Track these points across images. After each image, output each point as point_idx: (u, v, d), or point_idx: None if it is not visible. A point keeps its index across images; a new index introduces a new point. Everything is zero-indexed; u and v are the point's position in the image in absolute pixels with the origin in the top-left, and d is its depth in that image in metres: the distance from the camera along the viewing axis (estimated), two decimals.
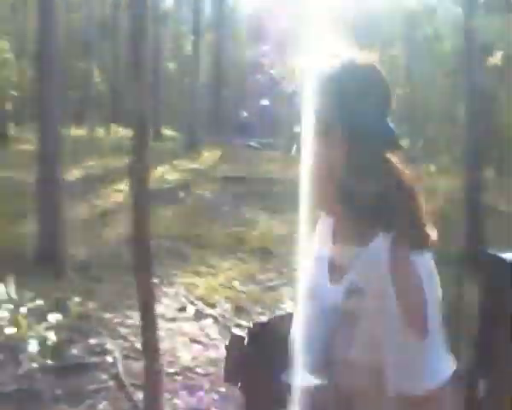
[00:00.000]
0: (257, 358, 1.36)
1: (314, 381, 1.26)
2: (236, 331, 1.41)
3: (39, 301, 5.35)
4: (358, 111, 1.26)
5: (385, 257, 1.22)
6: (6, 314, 3.92)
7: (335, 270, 1.34)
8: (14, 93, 19.77)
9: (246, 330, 1.40)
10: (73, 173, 13.19)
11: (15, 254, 7.58)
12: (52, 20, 7.83)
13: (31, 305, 4.88)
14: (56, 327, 5.21)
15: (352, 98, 1.27)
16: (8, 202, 10.17)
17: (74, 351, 5.32)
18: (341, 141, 1.27)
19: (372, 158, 1.27)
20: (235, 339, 1.39)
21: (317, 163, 1.30)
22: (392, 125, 1.30)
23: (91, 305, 6.55)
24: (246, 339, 1.39)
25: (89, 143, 19.19)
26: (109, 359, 5.31)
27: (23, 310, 4.50)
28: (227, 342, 1.42)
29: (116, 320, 6.25)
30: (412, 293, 1.21)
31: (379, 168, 1.28)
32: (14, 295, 4.36)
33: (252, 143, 23.60)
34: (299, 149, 1.32)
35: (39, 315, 5.42)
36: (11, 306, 3.87)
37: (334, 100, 1.28)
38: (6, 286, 4.69)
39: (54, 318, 5.03)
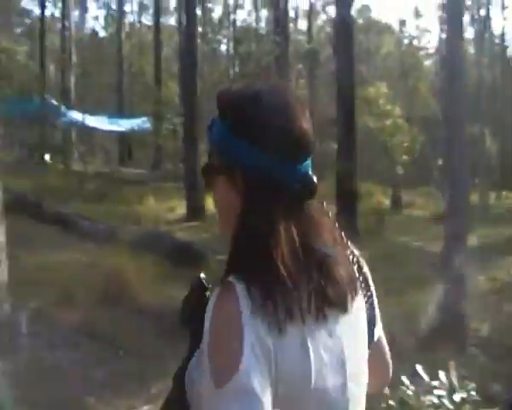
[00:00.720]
0: None
1: None
2: (201, 275, 1.33)
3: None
4: (247, 152, 1.15)
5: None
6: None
7: None
8: (406, 157, 20.14)
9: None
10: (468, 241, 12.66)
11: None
12: None
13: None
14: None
15: (241, 137, 1.16)
16: (405, 269, 10.14)
17: None
18: (237, 183, 1.18)
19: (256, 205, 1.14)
20: (198, 282, 1.32)
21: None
22: (304, 169, 1.17)
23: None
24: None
25: (481, 209, 18.50)
26: None
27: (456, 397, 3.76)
28: (189, 285, 1.32)
29: None
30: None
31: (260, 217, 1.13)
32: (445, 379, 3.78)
33: None
34: None
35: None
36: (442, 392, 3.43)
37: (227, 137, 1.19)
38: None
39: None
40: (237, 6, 41.00)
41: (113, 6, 45.34)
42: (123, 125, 29.07)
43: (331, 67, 25.77)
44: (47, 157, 26.09)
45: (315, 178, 1.20)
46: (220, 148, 1.22)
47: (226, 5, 40.65)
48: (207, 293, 1.29)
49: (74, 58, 33.63)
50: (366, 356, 1.27)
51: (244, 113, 1.18)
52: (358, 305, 1.24)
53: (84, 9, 43.87)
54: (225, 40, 40.20)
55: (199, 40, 21.05)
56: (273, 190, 1.15)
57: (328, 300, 1.14)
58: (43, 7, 33.21)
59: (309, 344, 1.12)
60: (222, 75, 32.02)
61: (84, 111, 25.63)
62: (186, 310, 1.31)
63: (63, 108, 27.27)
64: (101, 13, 62.85)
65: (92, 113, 28.82)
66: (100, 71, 40.62)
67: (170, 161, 26.40)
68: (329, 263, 1.16)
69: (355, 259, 1.28)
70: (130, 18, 46.71)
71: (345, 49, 14.13)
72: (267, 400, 1.04)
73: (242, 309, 1.08)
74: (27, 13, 48.99)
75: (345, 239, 1.27)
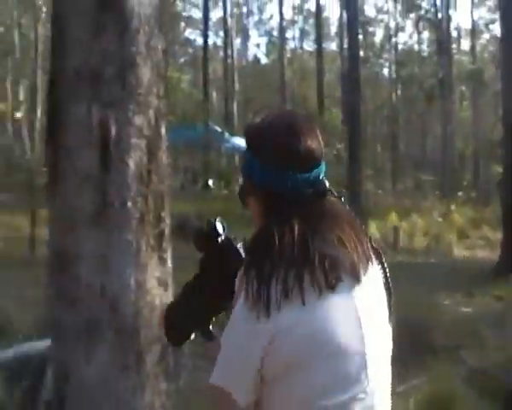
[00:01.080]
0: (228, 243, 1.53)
1: None
2: (217, 219, 1.52)
3: None
4: (251, 167, 1.44)
5: None
6: None
7: None
8: None
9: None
10: None
11: None
12: None
13: None
14: None
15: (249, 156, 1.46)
16: None
17: None
18: (259, 198, 1.44)
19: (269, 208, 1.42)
20: (212, 225, 1.51)
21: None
22: (313, 176, 1.42)
23: None
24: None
25: None
26: None
27: None
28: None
29: None
30: None
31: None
32: None
33: None
34: None
35: None
36: None
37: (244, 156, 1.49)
38: None
39: None
40: (398, 29, 40.44)
41: (275, 33, 46.72)
42: None
43: (496, 87, 24.57)
44: (210, 182, 27.29)
45: (326, 181, 1.45)
46: (247, 172, 1.47)
47: (387, 28, 40.29)
48: (220, 239, 1.52)
49: (237, 85, 35.02)
50: (385, 320, 1.44)
51: (258, 141, 1.44)
52: (372, 277, 1.42)
53: (245, 37, 45.63)
54: (387, 63, 39.87)
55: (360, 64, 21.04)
56: (287, 198, 1.39)
57: (336, 273, 1.33)
58: (205, 36, 34.85)
59: (322, 311, 1.31)
60: (384, 99, 31.74)
61: None
62: (198, 243, 1.54)
63: (226, 134, 28.43)
64: (263, 40, 64.89)
65: None
66: (262, 97, 41.87)
67: (334, 187, 26.45)
68: (337, 243, 1.37)
69: (370, 243, 1.46)
70: (291, 44, 47.70)
71: (510, 68, 13.36)
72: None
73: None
74: (190, 42, 51.81)
75: (360, 225, 1.48)
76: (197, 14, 46.90)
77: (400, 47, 39.14)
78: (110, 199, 2.75)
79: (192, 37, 60.54)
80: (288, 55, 44.83)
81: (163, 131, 3.02)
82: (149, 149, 2.89)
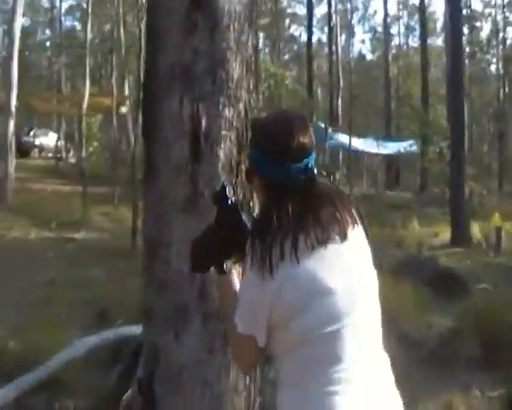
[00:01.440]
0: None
1: None
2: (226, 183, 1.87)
3: None
4: (255, 157, 1.82)
5: None
6: None
7: None
8: None
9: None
10: None
11: None
12: None
13: None
14: None
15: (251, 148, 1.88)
16: None
17: None
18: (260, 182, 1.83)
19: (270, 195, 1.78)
20: (222, 189, 1.86)
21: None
22: (304, 165, 1.76)
23: None
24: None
25: None
26: None
27: None
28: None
29: None
30: None
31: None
32: None
33: None
34: None
35: None
36: None
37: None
38: None
39: None
40: (507, 23, 38.67)
41: (379, 29, 45.96)
42: (390, 147, 29.23)
43: None
44: None
45: (315, 168, 1.80)
46: (251, 160, 1.86)
47: (495, 23, 38.62)
48: (229, 201, 1.84)
49: (341, 82, 34.78)
50: (370, 267, 1.83)
51: (260, 136, 1.82)
52: (357, 236, 1.80)
53: (350, 34, 45.19)
54: (494, 59, 38.24)
55: (466, 61, 20.37)
56: (280, 183, 1.75)
57: (326, 234, 1.72)
58: (310, 33, 34.92)
59: (314, 264, 1.70)
60: (492, 96, 30.51)
61: (351, 134, 26.27)
62: (213, 201, 1.89)
63: (330, 130, 28.35)
64: (368, 36, 64.02)
65: (359, 135, 29.47)
66: (367, 94, 41.40)
67: (436, 185, 25.84)
68: (328, 214, 1.74)
69: (356, 211, 1.84)
70: (396, 40, 46.85)
71: None
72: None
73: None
74: (295, 39, 51.95)
75: (347, 196, 1.88)
76: (302, 10, 47.06)
77: (508, 42, 37.49)
78: (200, 189, 2.86)
79: (297, 33, 60.75)
80: (393, 51, 44.01)
81: None
82: (239, 140, 2.99)
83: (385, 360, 1.83)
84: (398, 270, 8.80)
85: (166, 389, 2.97)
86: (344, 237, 1.74)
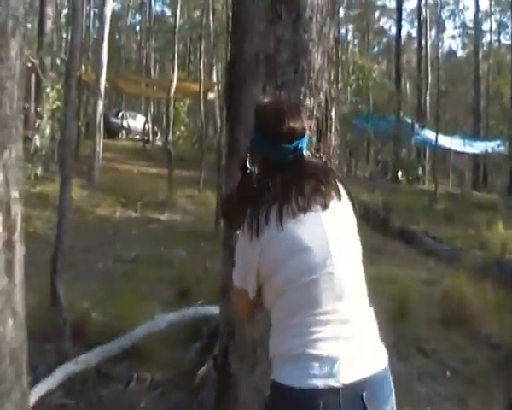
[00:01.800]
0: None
1: None
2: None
3: None
4: (255, 138, 2.15)
5: None
6: None
7: None
8: None
9: None
10: None
11: None
12: None
13: None
14: None
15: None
16: None
17: None
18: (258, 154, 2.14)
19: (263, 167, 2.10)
20: (243, 161, 2.16)
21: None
22: (293, 146, 2.07)
23: None
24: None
25: None
26: None
27: None
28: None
29: None
30: None
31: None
32: None
33: None
34: None
35: None
36: None
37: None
38: None
39: None
40: None
41: (470, 25, 44.47)
42: (477, 147, 28.40)
43: None
44: (399, 174, 26.88)
45: (304, 151, 2.08)
46: (251, 140, 2.16)
47: None
48: (249, 170, 2.11)
49: (430, 77, 33.98)
50: (353, 236, 2.11)
51: (260, 119, 2.13)
52: (340, 208, 2.08)
53: (440, 29, 43.93)
54: None
55: None
56: (273, 160, 2.07)
57: (308, 203, 2.01)
58: (399, 26, 34.14)
59: (294, 226, 1.99)
60: None
61: (438, 131, 25.69)
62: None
63: (417, 126, 27.79)
64: (458, 32, 62.05)
65: (446, 133, 28.75)
66: (456, 91, 40.25)
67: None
68: (312, 187, 2.03)
69: (342, 183, 2.13)
70: (487, 37, 45.19)
71: None
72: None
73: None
74: (384, 32, 50.98)
75: (333, 172, 2.18)
76: (392, 3, 46.20)
77: None
78: None
79: (387, 26, 59.62)
80: (484, 48, 42.51)
81: (333, 114, 3.20)
82: (318, 129, 3.09)
83: (367, 311, 2.07)
84: (481, 271, 8.62)
85: (240, 364, 3.10)
86: (325, 207, 2.03)
